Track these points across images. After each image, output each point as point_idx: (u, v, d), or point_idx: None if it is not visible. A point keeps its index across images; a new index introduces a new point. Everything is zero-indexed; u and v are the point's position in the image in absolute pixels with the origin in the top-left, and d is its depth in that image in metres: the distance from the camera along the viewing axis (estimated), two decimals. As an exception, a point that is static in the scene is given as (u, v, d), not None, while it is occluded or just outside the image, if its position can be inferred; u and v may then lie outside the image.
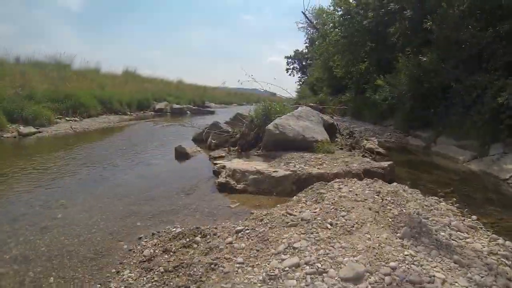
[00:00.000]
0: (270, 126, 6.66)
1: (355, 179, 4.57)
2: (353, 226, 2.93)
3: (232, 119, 9.93)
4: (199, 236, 3.18)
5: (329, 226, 3.00)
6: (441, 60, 9.79)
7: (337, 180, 4.51)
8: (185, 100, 25.76)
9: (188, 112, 21.07)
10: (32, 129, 11.09)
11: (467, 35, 9.01)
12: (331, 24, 18.13)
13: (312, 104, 10.15)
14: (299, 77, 51.36)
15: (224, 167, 5.66)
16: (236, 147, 7.35)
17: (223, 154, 7.10)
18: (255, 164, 5.66)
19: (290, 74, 52.70)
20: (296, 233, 2.90)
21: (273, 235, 2.94)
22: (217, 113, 21.69)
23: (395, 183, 4.45)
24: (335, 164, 5.48)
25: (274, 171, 5.10)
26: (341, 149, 7.33)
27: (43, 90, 14.76)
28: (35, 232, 3.61)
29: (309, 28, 25.62)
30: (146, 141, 9.67)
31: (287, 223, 3.13)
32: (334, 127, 8.49)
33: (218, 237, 3.10)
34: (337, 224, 3.01)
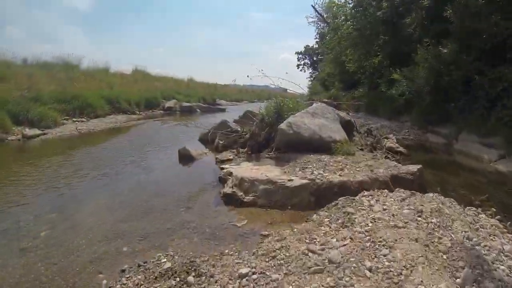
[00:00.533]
0: (283, 125, 5.97)
1: (385, 190, 3.87)
2: (401, 273, 2.17)
3: (242, 117, 9.28)
4: (193, 274, 2.51)
5: (367, 273, 2.25)
6: (462, 51, 9.01)
7: (365, 193, 3.81)
8: (195, 98, 25.18)
9: (198, 110, 20.46)
10: (37, 131, 10.66)
11: (490, 24, 8.24)
12: (342, 17, 17.28)
13: (326, 100, 9.43)
14: (310, 72, 50.60)
15: (231, 173, 5.00)
16: (246, 149, 6.67)
17: (231, 157, 6.44)
18: (266, 170, 4.98)
19: (301, 70, 51.94)
20: (323, 285, 2.17)
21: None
22: (227, 111, 21.11)
23: (431, 194, 3.75)
24: (357, 169, 4.81)
25: (288, 180, 4.38)
26: (361, 149, 6.62)
27: (50, 91, 14.39)
28: (12, 255, 3.15)
29: (319, 23, 24.78)
30: (151, 142, 9.01)
31: (309, 267, 2.39)
32: (352, 124, 7.77)
33: (216, 282, 2.41)
34: (378, 269, 2.25)
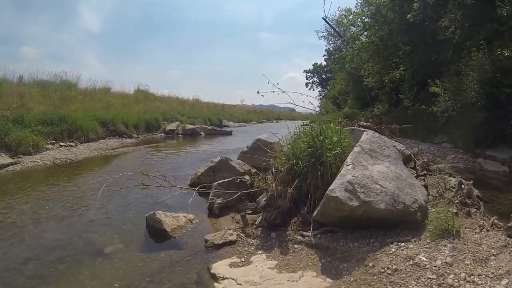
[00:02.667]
0: (339, 191, 3.33)
1: None
2: None
3: (250, 149, 6.97)
4: None
5: None
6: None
7: None
8: (200, 119, 23.20)
9: (202, 133, 18.28)
10: (8, 160, 8.72)
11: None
12: (359, 26, 15.23)
13: (364, 124, 7.14)
14: (319, 91, 48.99)
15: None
16: (259, 219, 3.96)
17: (234, 237, 3.73)
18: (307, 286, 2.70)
19: (310, 89, 50.39)
20: None
21: None
22: (234, 134, 18.97)
23: None
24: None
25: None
26: (455, 213, 3.81)
27: (37, 112, 12.67)
28: None
29: (330, 37, 22.96)
30: (124, 184, 6.69)
31: None
32: (410, 160, 5.61)
33: None
34: None
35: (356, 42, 15.33)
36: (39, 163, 8.76)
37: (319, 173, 3.79)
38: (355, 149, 3.97)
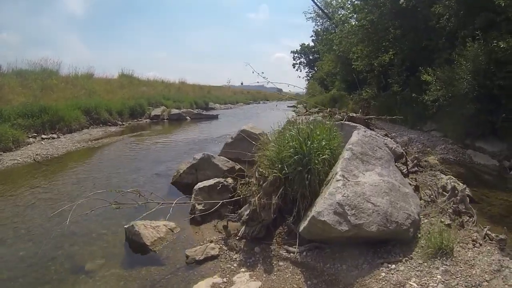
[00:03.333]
0: (327, 215, 3.04)
1: None
2: None
3: (234, 140, 6.72)
4: None
5: None
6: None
7: None
8: (186, 102, 22.60)
9: (188, 117, 17.80)
10: (-17, 159, 8.29)
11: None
12: (349, 9, 14.69)
13: (354, 115, 6.82)
14: (306, 72, 48.42)
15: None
16: (242, 232, 3.64)
17: (216, 251, 3.46)
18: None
19: (297, 69, 49.76)
20: None
21: None
22: (220, 118, 18.57)
23: None
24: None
25: None
26: (448, 225, 3.60)
27: (17, 104, 12.06)
28: None
29: (318, 18, 22.34)
30: (106, 184, 6.01)
31: None
32: (402, 156, 5.36)
33: None
34: None
35: (346, 25, 14.89)
36: (19, 161, 8.30)
37: (307, 182, 3.52)
38: (346, 154, 3.64)
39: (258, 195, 3.58)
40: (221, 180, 4.69)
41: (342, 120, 5.81)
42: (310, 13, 22.69)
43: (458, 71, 7.61)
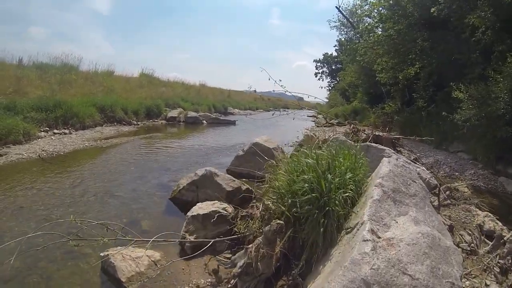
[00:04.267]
0: None
1: None
2: None
3: (245, 154, 6.15)
4: None
5: None
6: None
7: None
8: (205, 106, 22.20)
9: (204, 121, 17.34)
10: (-10, 151, 8.04)
11: None
12: (375, 18, 13.90)
13: (380, 134, 6.04)
14: (328, 81, 47.53)
15: None
16: (235, 284, 2.82)
17: None
18: None
19: (319, 79, 48.96)
20: None
21: None
22: (238, 124, 17.97)
23: None
24: None
25: None
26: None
27: (33, 97, 11.92)
28: None
29: (342, 27, 21.64)
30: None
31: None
32: (435, 187, 4.58)
33: None
34: None
35: (371, 34, 14.12)
36: (23, 156, 8.00)
37: (322, 228, 2.70)
38: (375, 192, 2.73)
39: (256, 246, 2.80)
40: (219, 208, 3.92)
41: (368, 139, 5.14)
42: (335, 22, 22.06)
43: (494, 89, 6.81)
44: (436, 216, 2.94)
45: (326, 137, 5.39)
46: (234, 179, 4.87)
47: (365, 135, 5.41)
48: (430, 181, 4.21)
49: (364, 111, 18.23)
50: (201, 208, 3.89)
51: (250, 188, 4.76)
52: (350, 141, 4.10)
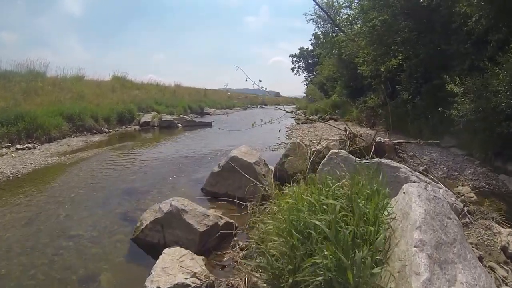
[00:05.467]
0: None
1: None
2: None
3: (222, 170, 5.27)
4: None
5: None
6: None
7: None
8: (180, 107, 21.07)
9: (180, 125, 16.29)
10: None
11: None
12: (356, 9, 13.14)
13: (381, 140, 5.15)
14: (305, 76, 46.98)
15: None
16: None
17: None
18: None
19: (295, 73, 48.30)
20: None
21: None
22: (214, 124, 16.92)
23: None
24: None
25: None
26: None
27: (-6, 109, 10.75)
28: None
29: (319, 20, 21.00)
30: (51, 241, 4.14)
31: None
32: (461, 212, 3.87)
33: None
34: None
35: (353, 26, 13.46)
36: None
37: None
38: (420, 262, 1.82)
39: None
40: (188, 279, 2.76)
41: (368, 147, 4.36)
42: (311, 15, 21.36)
43: (492, 82, 6.24)
44: (480, 267, 2.20)
45: (319, 148, 4.65)
46: (208, 214, 3.86)
47: (363, 142, 4.64)
48: (457, 205, 3.45)
49: (345, 105, 17.64)
50: (164, 271, 2.87)
51: (230, 221, 3.96)
52: (353, 158, 3.36)
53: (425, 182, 2.98)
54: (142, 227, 3.81)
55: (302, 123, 16.63)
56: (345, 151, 3.46)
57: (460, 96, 6.92)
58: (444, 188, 3.24)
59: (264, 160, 5.78)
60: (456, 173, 6.52)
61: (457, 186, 5.77)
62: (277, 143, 10.74)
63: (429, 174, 4.06)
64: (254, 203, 3.76)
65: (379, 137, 4.64)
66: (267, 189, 4.35)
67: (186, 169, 7.43)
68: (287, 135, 12.73)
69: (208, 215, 3.74)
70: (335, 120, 16.50)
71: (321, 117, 18.38)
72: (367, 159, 3.55)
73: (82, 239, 4.16)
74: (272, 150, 9.63)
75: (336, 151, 3.49)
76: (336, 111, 18.25)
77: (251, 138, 11.82)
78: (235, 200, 4.47)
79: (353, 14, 13.86)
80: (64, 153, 9.47)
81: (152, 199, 5.29)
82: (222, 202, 4.89)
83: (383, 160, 3.33)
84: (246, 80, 4.92)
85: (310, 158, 4.87)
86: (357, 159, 3.46)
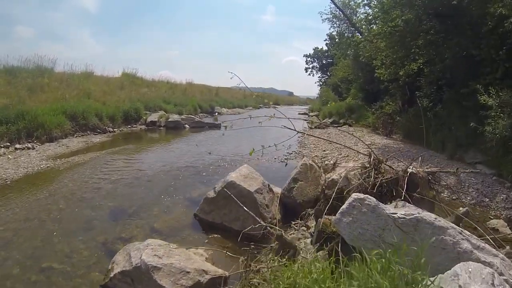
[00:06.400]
0: None
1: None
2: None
3: (217, 196, 4.40)
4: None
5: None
6: None
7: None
8: (190, 107, 20.38)
9: (187, 125, 15.61)
10: None
11: None
12: (376, 7, 12.08)
13: (413, 171, 3.92)
14: (319, 77, 45.86)
15: None
16: None
17: None
18: None
19: (309, 74, 47.18)
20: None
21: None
22: (223, 125, 16.05)
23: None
24: None
25: None
26: None
27: (-3, 107, 10.32)
28: None
29: (334, 20, 19.98)
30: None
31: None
32: None
33: None
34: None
35: (373, 26, 12.45)
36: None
37: None
38: None
39: None
40: None
41: (396, 177, 3.49)
42: (327, 14, 20.37)
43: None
44: None
45: (335, 177, 3.82)
46: (187, 269, 2.93)
47: (391, 170, 3.69)
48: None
49: (360, 109, 16.70)
50: None
51: (217, 274, 3.04)
52: (383, 208, 2.54)
53: (489, 264, 2.13)
54: (112, 274, 3.02)
55: (315, 127, 15.75)
56: (374, 199, 2.62)
57: (495, 109, 6.02)
58: (500, 255, 2.40)
59: (268, 185, 4.90)
60: (486, 199, 5.65)
61: (490, 219, 4.93)
62: (288, 152, 9.83)
63: (469, 216, 3.22)
64: (246, 257, 3.00)
65: (411, 167, 3.64)
66: (269, 227, 3.60)
67: (183, 184, 6.61)
68: (298, 142, 11.77)
69: (188, 272, 2.90)
70: (350, 125, 15.61)
71: (335, 122, 17.52)
72: (400, 206, 2.74)
73: (54, 274, 3.49)
74: (281, 161, 8.74)
75: (361, 196, 2.65)
76: (352, 115, 17.35)
77: (260, 142, 11.08)
78: (231, 233, 3.75)
79: (372, 13, 12.83)
80: (61, 155, 8.90)
81: (137, 225, 4.56)
82: (216, 235, 4.13)
83: (425, 216, 2.43)
84: (238, 85, 4.14)
85: (323, 190, 4.06)
86: (388, 206, 2.64)
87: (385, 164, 3.55)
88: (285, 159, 8.93)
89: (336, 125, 15.91)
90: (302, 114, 27.81)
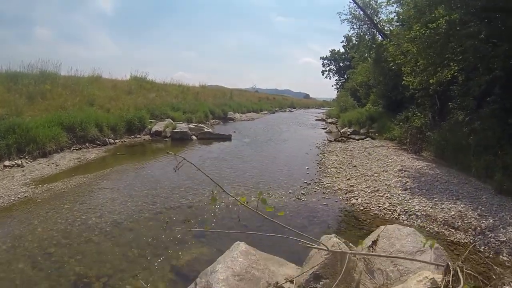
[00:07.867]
0: None
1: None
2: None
3: None
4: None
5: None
6: None
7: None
8: (201, 113, 19.02)
9: (194, 137, 14.14)
10: None
11: None
12: (408, 6, 10.23)
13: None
14: (336, 80, 44.10)
15: None
16: None
17: None
18: None
19: (326, 77, 45.45)
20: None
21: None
22: (234, 137, 14.64)
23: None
24: None
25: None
26: None
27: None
28: None
29: (354, 20, 18.30)
30: None
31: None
32: None
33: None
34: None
35: (402, 27, 10.77)
36: None
37: None
38: None
39: None
40: None
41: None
42: (346, 14, 18.71)
43: None
44: None
45: None
46: None
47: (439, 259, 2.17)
48: None
49: (382, 119, 15.00)
50: None
51: None
52: None
53: None
54: None
55: (335, 140, 14.11)
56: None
57: None
58: None
59: (277, 283, 2.69)
60: None
61: None
62: (305, 182, 7.79)
63: None
64: None
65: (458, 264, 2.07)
66: None
67: (169, 238, 4.83)
68: (317, 163, 10.07)
69: None
70: (373, 138, 14.00)
71: (355, 132, 16.00)
72: None
73: None
74: (298, 199, 6.64)
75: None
76: (373, 125, 15.77)
77: (272, 164, 9.69)
78: None
79: (403, 11, 11.02)
80: (46, 178, 7.70)
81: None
82: None
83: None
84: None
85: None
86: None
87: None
88: (302, 193, 7.07)
89: (357, 137, 14.32)
90: (319, 120, 26.27)
